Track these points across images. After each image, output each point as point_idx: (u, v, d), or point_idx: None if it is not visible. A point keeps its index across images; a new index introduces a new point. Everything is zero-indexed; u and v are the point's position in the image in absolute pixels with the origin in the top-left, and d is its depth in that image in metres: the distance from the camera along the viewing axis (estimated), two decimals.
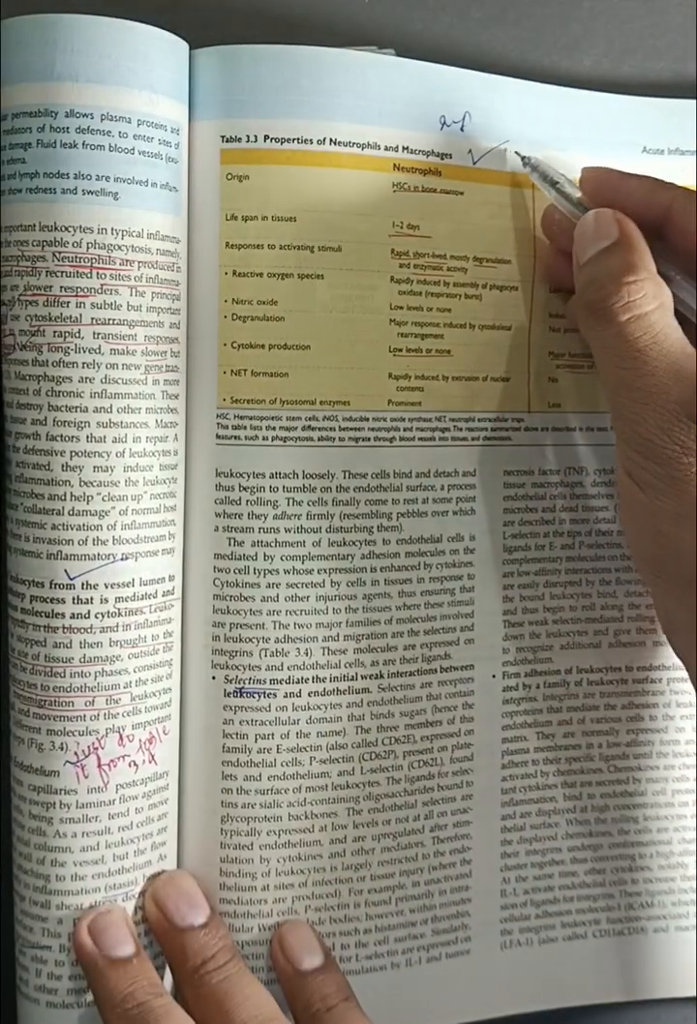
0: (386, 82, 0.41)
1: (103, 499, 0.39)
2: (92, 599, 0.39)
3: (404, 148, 0.42)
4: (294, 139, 0.40)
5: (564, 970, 0.46)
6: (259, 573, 0.41)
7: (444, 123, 0.42)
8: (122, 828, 0.40)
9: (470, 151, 0.43)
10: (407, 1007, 0.44)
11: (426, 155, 0.42)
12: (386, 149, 0.41)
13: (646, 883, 0.46)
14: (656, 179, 0.41)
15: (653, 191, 0.40)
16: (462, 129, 0.42)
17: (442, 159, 0.42)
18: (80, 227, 0.38)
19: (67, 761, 0.39)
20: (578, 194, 0.41)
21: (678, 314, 0.39)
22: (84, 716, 0.39)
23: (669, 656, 0.45)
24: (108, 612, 0.39)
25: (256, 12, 0.44)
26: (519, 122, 0.43)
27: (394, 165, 0.42)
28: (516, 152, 0.43)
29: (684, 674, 0.45)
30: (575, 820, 0.45)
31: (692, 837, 0.46)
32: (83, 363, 0.38)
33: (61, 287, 0.38)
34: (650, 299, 0.37)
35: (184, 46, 0.40)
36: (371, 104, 0.41)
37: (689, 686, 0.45)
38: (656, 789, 0.46)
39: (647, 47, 0.47)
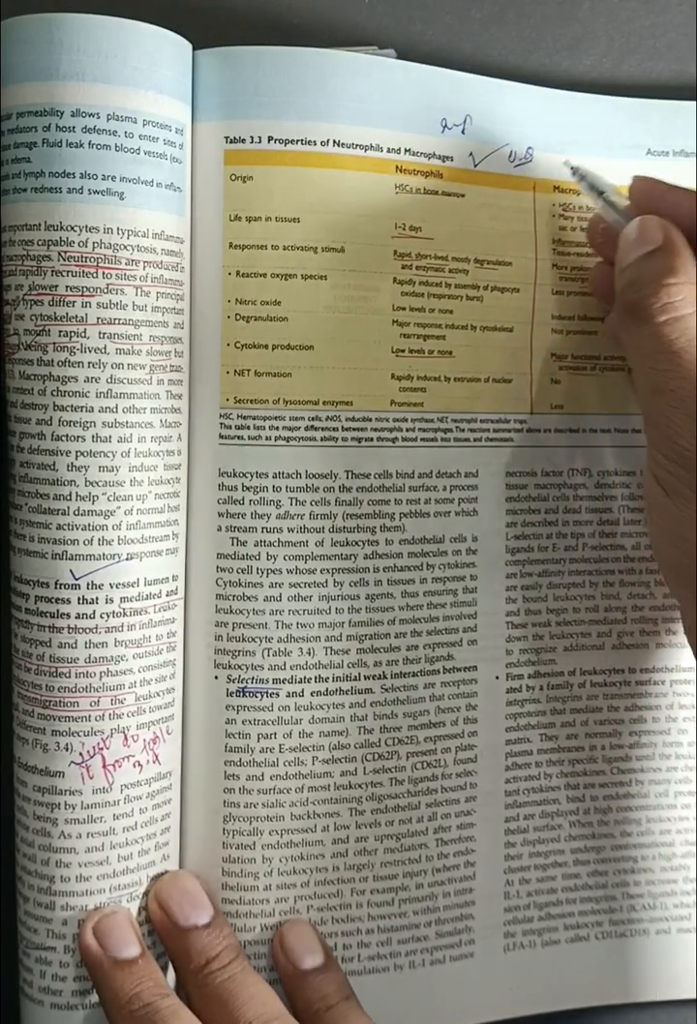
0: (388, 85, 0.41)
1: (108, 499, 0.39)
2: (97, 599, 0.39)
3: (406, 150, 0.42)
4: (298, 140, 0.40)
5: (567, 973, 0.45)
6: (262, 573, 0.41)
7: (445, 126, 0.42)
8: (127, 829, 0.40)
9: (471, 154, 0.43)
10: (410, 1009, 0.44)
11: (428, 158, 0.42)
12: (389, 151, 0.42)
13: (648, 885, 0.46)
14: None
15: None
16: (463, 132, 0.43)
17: (443, 162, 0.43)
18: (86, 226, 0.38)
19: (72, 762, 0.39)
20: (625, 203, 0.41)
21: None
22: (89, 716, 0.39)
23: (672, 658, 0.46)
24: (113, 612, 0.39)
25: (256, 12, 0.44)
26: (520, 126, 0.44)
27: (396, 167, 0.42)
28: (566, 162, 0.43)
29: (687, 676, 0.45)
30: (578, 822, 0.45)
31: (693, 839, 0.46)
32: (89, 363, 0.38)
33: (66, 286, 0.38)
34: (688, 303, 0.37)
35: (187, 47, 0.40)
36: (373, 107, 0.41)
37: (691, 689, 0.46)
38: (658, 791, 0.46)
39: (647, 47, 0.47)
